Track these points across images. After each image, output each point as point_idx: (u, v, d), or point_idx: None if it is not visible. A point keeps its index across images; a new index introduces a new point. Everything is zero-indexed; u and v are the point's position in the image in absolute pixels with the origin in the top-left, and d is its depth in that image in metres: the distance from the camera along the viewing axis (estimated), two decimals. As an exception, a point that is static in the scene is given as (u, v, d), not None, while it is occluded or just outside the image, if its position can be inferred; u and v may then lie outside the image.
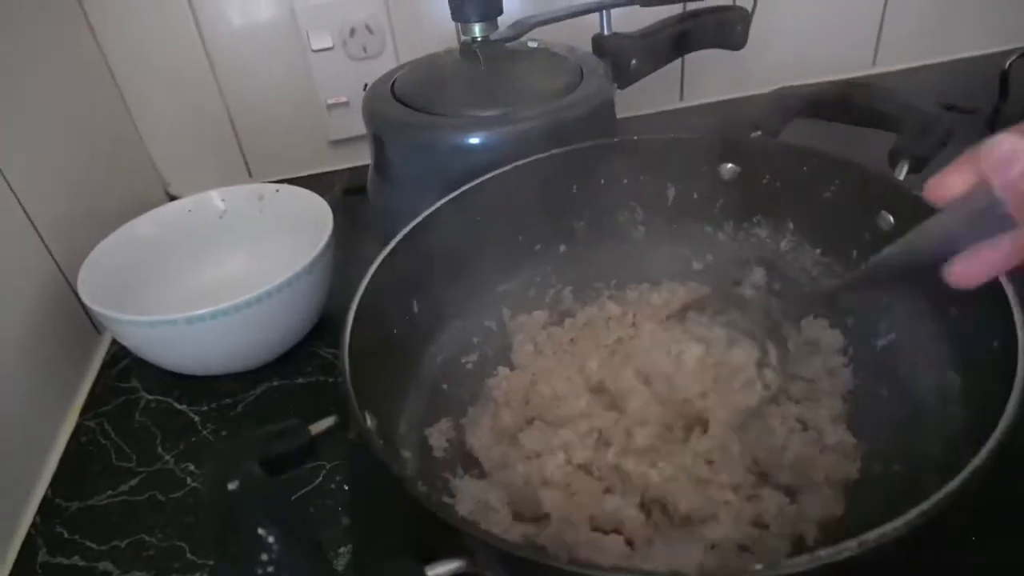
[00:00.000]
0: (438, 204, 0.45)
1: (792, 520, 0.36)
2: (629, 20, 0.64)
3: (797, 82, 0.85)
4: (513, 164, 0.47)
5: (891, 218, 0.41)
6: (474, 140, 0.52)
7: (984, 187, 0.26)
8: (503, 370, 0.46)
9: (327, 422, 0.32)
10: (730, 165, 0.48)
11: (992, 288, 0.32)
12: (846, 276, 0.43)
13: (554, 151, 0.48)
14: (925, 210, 0.32)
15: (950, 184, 0.28)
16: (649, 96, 0.81)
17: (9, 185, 0.51)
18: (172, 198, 0.77)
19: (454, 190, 0.47)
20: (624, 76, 0.63)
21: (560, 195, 0.49)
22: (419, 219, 0.44)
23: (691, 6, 0.68)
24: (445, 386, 0.45)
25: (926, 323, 0.39)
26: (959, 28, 0.86)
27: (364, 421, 0.32)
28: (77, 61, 0.66)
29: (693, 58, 0.73)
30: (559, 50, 0.59)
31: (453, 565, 0.27)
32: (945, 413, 0.36)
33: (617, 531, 0.36)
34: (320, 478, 0.45)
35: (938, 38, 0.86)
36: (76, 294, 0.56)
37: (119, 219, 0.57)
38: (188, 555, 0.42)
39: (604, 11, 0.61)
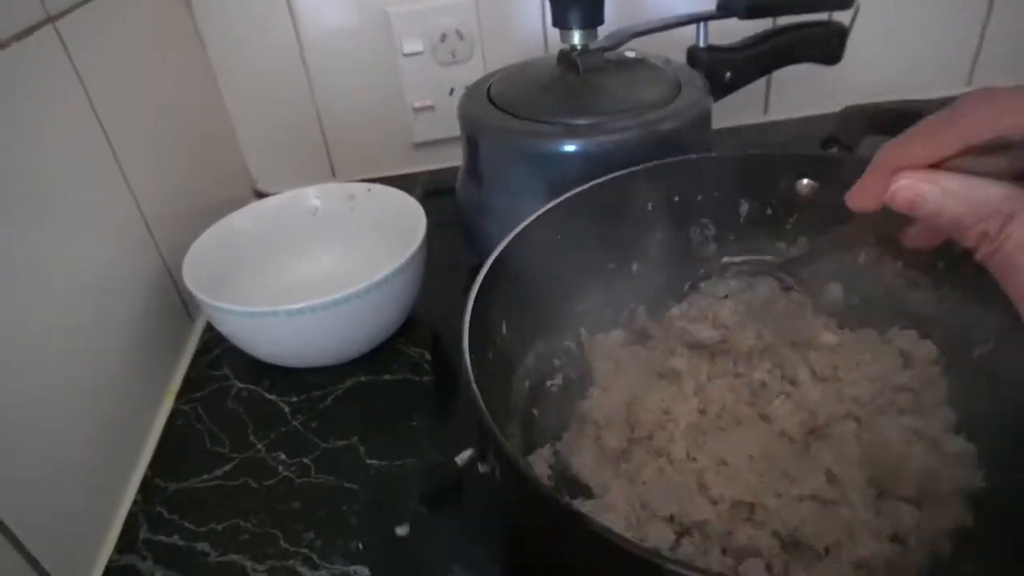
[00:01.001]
0: (526, 222, 0.44)
1: (929, 534, 0.35)
2: (724, 32, 0.63)
3: (886, 100, 0.84)
4: (592, 183, 0.46)
5: None
6: (570, 148, 0.52)
7: None
8: (594, 391, 0.45)
9: (467, 453, 0.32)
10: (807, 180, 0.48)
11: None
12: None
13: (633, 168, 0.47)
14: None
15: (866, 204, 0.28)
16: (733, 109, 0.80)
17: (124, 175, 0.53)
18: (259, 195, 0.79)
19: (545, 196, 0.47)
20: (718, 88, 0.62)
21: (635, 213, 0.49)
22: (509, 237, 0.43)
23: (786, 20, 0.67)
24: (535, 411, 0.44)
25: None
26: (1061, 50, 0.83)
27: (501, 439, 0.30)
28: (183, 58, 0.69)
29: (779, 72, 0.72)
30: (655, 61, 0.59)
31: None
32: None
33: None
34: (409, 474, 0.46)
35: (1038, 60, 0.83)
36: (175, 281, 0.58)
37: (212, 213, 0.58)
38: (281, 543, 0.42)
39: (701, 24, 0.61)
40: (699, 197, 0.49)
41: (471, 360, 0.34)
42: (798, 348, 0.44)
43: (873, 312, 0.47)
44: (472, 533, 0.29)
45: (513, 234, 0.43)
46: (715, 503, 0.38)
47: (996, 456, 0.38)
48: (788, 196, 0.48)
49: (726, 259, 0.49)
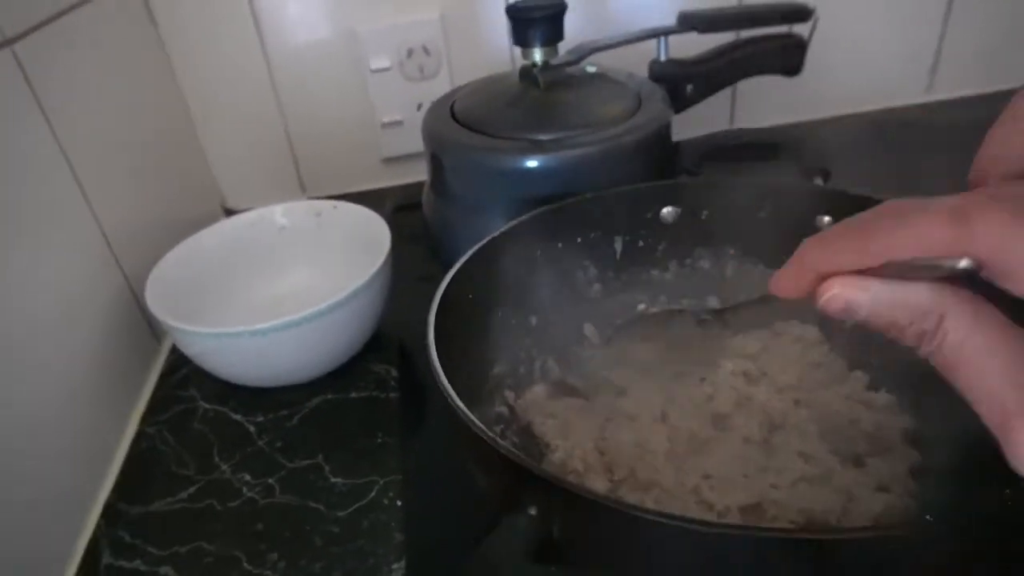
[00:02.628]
0: (438, 294, 0.41)
1: (898, 478, 0.38)
2: (686, 46, 0.64)
3: (850, 109, 0.86)
4: (477, 246, 0.45)
5: (827, 219, 0.46)
6: (532, 163, 0.52)
7: None
8: (556, 444, 0.43)
9: (534, 509, 0.29)
10: (669, 208, 0.51)
11: None
12: None
13: (519, 219, 0.47)
14: (859, 204, 0.35)
15: (789, 292, 0.27)
16: (700, 120, 0.81)
17: (86, 198, 0.53)
18: (228, 212, 0.79)
19: (509, 211, 0.47)
20: (680, 101, 0.63)
21: (525, 265, 0.48)
22: (432, 313, 0.40)
23: (747, 33, 0.68)
24: None
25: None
26: (1015, 60, 0.85)
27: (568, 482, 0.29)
28: (149, 78, 0.69)
29: (745, 83, 0.74)
30: (617, 76, 0.60)
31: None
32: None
33: None
34: (374, 492, 0.46)
35: (994, 69, 0.85)
36: (139, 303, 0.58)
37: (179, 232, 0.58)
38: (245, 564, 0.42)
39: (662, 38, 0.62)
40: (579, 240, 0.50)
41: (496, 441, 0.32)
42: (722, 365, 0.46)
43: (753, 314, 0.48)
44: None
45: (432, 313, 0.40)
46: (723, 516, 0.38)
47: (908, 397, 0.43)
48: (655, 225, 0.51)
49: (642, 307, 0.52)
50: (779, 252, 0.47)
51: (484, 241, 0.45)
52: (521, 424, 0.45)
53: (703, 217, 0.50)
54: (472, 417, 0.32)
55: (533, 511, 0.29)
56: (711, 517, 0.37)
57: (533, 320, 0.49)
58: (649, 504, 0.39)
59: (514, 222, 0.46)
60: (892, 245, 0.22)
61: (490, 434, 0.31)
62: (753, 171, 0.58)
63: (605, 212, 0.50)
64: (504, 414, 0.46)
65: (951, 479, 0.38)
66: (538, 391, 0.47)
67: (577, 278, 0.51)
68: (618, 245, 0.51)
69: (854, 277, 0.24)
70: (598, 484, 0.40)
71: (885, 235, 0.23)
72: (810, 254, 0.25)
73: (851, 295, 0.24)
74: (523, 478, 0.29)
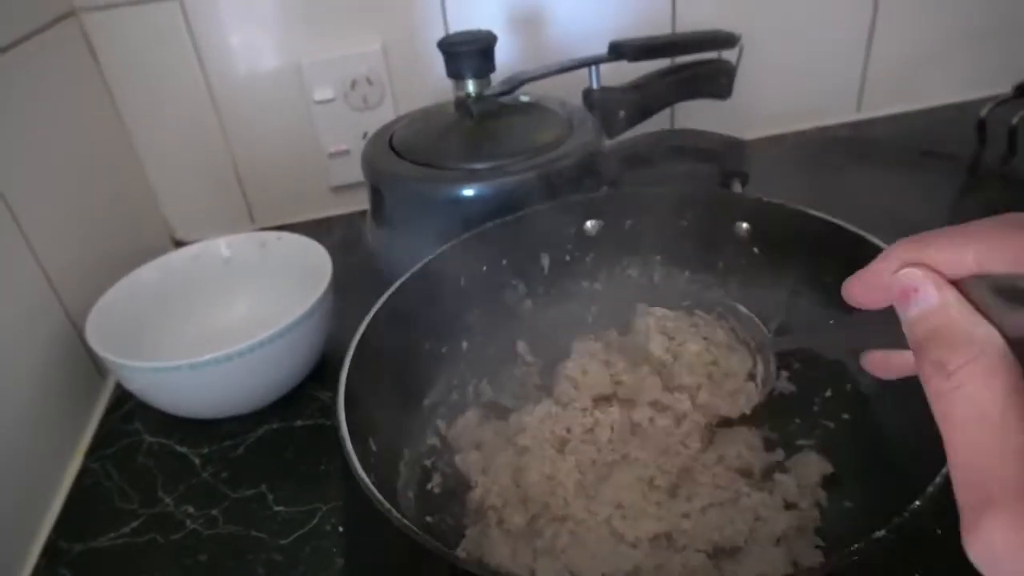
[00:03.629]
0: (359, 333, 0.42)
1: (808, 490, 0.41)
2: (618, 74, 0.67)
3: (784, 129, 0.89)
4: (406, 276, 0.47)
5: (745, 225, 0.50)
6: (468, 192, 0.54)
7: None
8: (478, 478, 0.44)
9: None
10: (592, 222, 0.53)
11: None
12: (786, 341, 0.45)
13: (438, 251, 0.48)
14: (771, 212, 0.45)
15: (863, 298, 0.26)
16: (640, 143, 0.84)
17: (23, 233, 0.53)
18: (178, 244, 0.79)
19: (447, 239, 0.49)
20: (613, 127, 0.65)
21: (450, 293, 0.50)
22: (347, 364, 0.41)
23: (678, 60, 0.71)
24: (429, 519, 0.42)
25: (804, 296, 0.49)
26: (939, 77, 0.89)
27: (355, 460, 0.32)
28: (91, 112, 0.69)
29: (683, 106, 0.76)
30: (550, 104, 0.62)
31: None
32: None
33: None
34: (316, 519, 0.46)
35: (919, 87, 0.89)
36: (83, 339, 0.58)
37: (126, 265, 0.59)
38: (187, 597, 0.43)
39: (593, 66, 0.64)
40: (504, 261, 0.52)
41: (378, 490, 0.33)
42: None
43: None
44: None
45: (351, 351, 0.41)
46: (635, 546, 0.39)
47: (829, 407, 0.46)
48: (580, 238, 0.53)
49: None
50: (703, 257, 0.52)
51: (400, 281, 0.46)
52: (452, 455, 0.46)
53: (627, 227, 0.53)
54: (368, 481, 0.33)
55: None
56: (625, 549, 0.38)
57: (464, 345, 0.50)
58: (564, 536, 0.39)
59: (431, 256, 0.48)
60: (992, 251, 0.21)
61: (396, 515, 0.32)
62: (674, 178, 0.61)
63: (527, 231, 0.51)
64: (436, 446, 0.47)
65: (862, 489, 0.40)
66: (470, 417, 0.48)
67: (507, 297, 0.53)
68: (545, 261, 0.53)
69: (937, 274, 0.22)
70: (516, 519, 0.40)
71: (984, 240, 0.21)
72: (902, 247, 0.24)
73: (925, 285, 0.22)
74: (412, 548, 0.31)
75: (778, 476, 0.42)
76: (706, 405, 0.44)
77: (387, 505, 0.32)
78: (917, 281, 0.22)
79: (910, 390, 0.35)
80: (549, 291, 0.53)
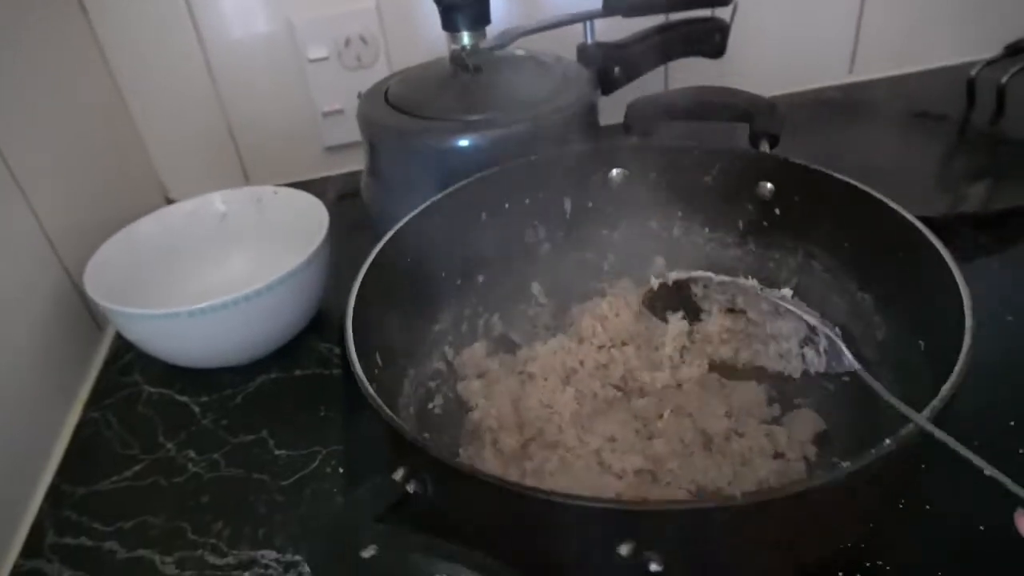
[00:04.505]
0: (373, 253, 0.43)
1: (798, 445, 0.42)
2: (613, 30, 0.67)
3: (778, 91, 0.89)
4: (424, 204, 0.47)
5: (770, 185, 0.49)
6: (463, 143, 0.54)
7: None
8: (478, 402, 0.46)
9: (401, 472, 0.31)
10: (617, 170, 0.53)
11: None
12: None
13: (461, 184, 0.49)
14: (796, 173, 0.44)
15: None
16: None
17: (23, 192, 0.53)
18: (171, 204, 0.79)
19: (443, 191, 0.49)
20: (608, 83, 0.65)
21: (470, 227, 0.50)
22: (362, 272, 0.42)
23: (672, 16, 0.71)
24: (427, 435, 0.44)
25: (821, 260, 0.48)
26: (930, 39, 0.89)
27: (425, 444, 0.31)
28: (83, 72, 0.69)
29: (677, 65, 0.76)
30: (545, 59, 0.62)
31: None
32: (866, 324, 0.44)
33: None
34: (316, 462, 0.47)
35: (911, 49, 0.90)
36: (81, 293, 0.58)
37: (122, 224, 0.59)
38: (190, 535, 0.44)
39: (588, 22, 0.64)
40: (527, 201, 0.52)
41: (373, 387, 0.34)
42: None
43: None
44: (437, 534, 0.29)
45: (362, 273, 0.42)
46: (620, 477, 0.40)
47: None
48: (604, 187, 0.53)
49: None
50: (724, 214, 0.52)
51: (424, 205, 0.47)
52: (455, 382, 0.48)
53: (651, 179, 0.52)
54: (365, 381, 0.34)
55: (399, 473, 0.31)
56: (610, 479, 0.40)
57: (480, 279, 0.51)
58: (553, 461, 0.41)
59: (455, 186, 0.48)
60: None
61: (377, 400, 0.33)
62: (703, 133, 0.59)
63: (553, 174, 0.51)
64: (442, 370, 0.48)
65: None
66: (477, 348, 0.49)
67: (526, 237, 0.53)
68: (567, 205, 0.53)
69: None
70: (510, 441, 0.42)
71: None
72: None
73: None
74: (395, 438, 0.32)
75: (771, 427, 0.43)
76: (749, 361, 0.46)
77: (379, 401, 0.33)
78: None
79: (910, 364, 0.37)
80: (569, 235, 0.54)
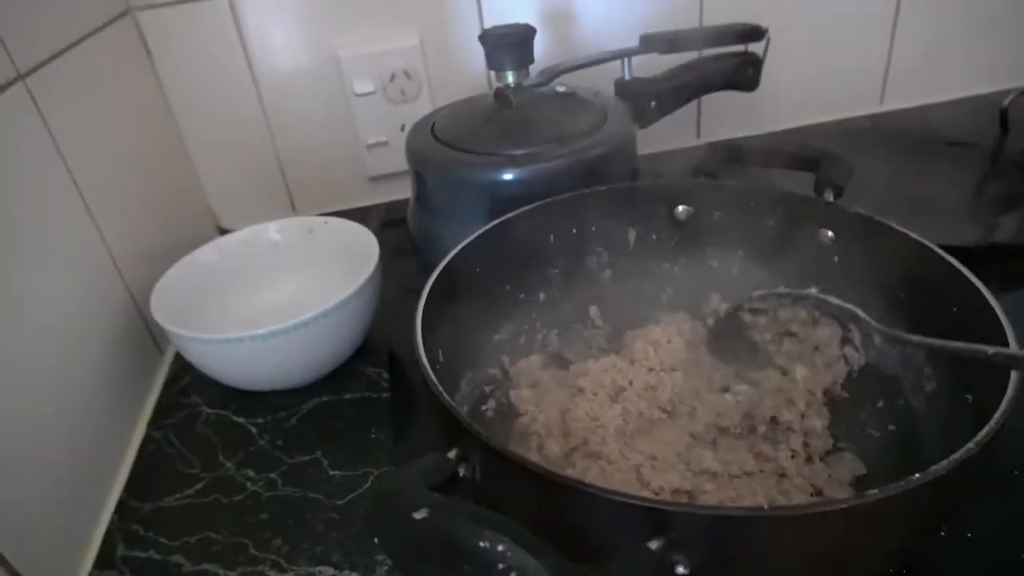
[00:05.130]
0: (445, 260, 0.47)
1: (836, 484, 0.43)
2: (649, 65, 0.69)
3: (809, 121, 0.91)
4: (500, 219, 0.51)
5: (830, 233, 0.50)
6: (507, 176, 0.57)
7: None
8: (528, 408, 0.48)
9: (454, 452, 0.34)
10: (683, 207, 0.55)
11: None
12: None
13: (535, 204, 0.52)
14: (857, 223, 0.45)
15: None
16: (669, 134, 0.86)
17: (95, 221, 0.57)
18: (222, 231, 0.83)
19: (488, 223, 0.51)
20: (644, 117, 0.68)
21: (539, 246, 0.53)
22: (434, 275, 0.46)
23: (706, 52, 0.73)
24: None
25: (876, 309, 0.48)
26: (961, 68, 0.91)
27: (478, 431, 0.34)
28: (146, 108, 0.73)
29: (709, 98, 0.79)
30: (585, 94, 0.64)
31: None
32: (916, 375, 0.44)
33: None
34: (368, 482, 0.49)
35: (941, 78, 0.91)
36: (143, 316, 0.62)
37: (177, 252, 0.62)
38: (251, 550, 0.46)
39: (626, 58, 0.67)
40: (593, 228, 0.55)
41: (434, 374, 0.38)
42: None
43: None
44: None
45: (435, 275, 0.46)
46: (657, 493, 0.42)
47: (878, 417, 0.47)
48: (669, 221, 0.55)
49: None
50: (784, 258, 0.53)
51: (498, 221, 0.50)
52: (509, 388, 0.51)
53: (715, 218, 0.54)
54: (427, 365, 0.38)
55: (453, 453, 0.34)
56: (647, 494, 0.41)
57: (541, 296, 0.54)
58: (594, 470, 0.43)
59: (529, 207, 0.51)
60: None
61: (434, 380, 0.36)
62: (770, 178, 0.61)
63: (621, 205, 0.54)
64: (497, 376, 0.51)
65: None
66: (533, 360, 0.52)
67: (589, 262, 0.56)
68: (632, 235, 0.56)
69: None
70: (555, 448, 0.45)
71: None
72: None
73: None
74: (450, 423, 0.35)
75: (814, 465, 0.44)
76: (807, 378, 0.47)
77: (439, 387, 0.36)
78: None
79: (956, 416, 0.38)
80: (630, 265, 0.56)
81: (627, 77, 0.67)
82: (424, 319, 0.42)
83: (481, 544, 0.25)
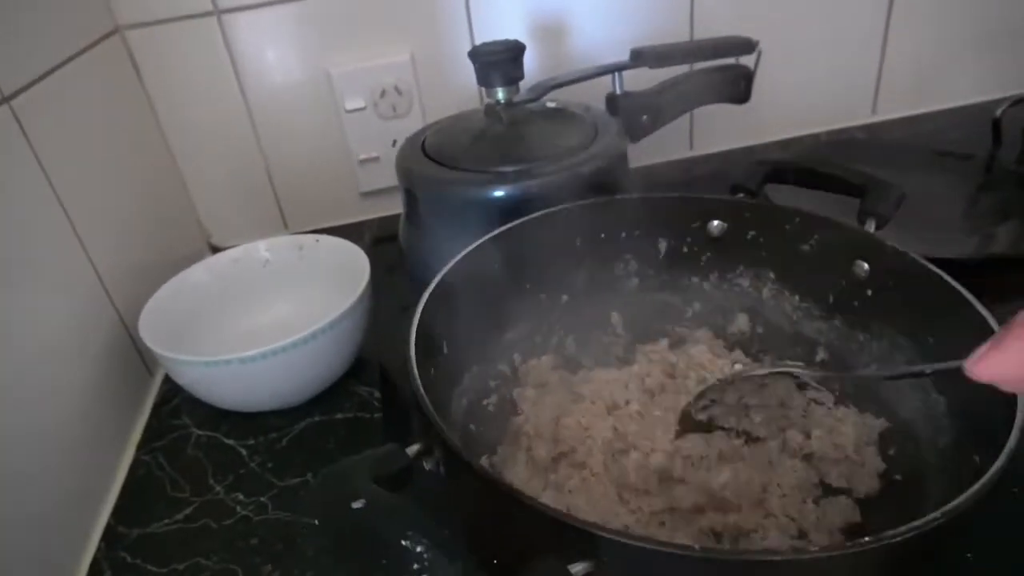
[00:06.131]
0: (465, 251, 0.48)
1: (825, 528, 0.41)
2: (640, 80, 0.69)
3: (803, 132, 0.91)
4: (526, 217, 0.51)
5: (866, 266, 0.48)
6: (498, 193, 0.57)
7: None
8: (526, 408, 0.49)
9: (415, 447, 0.35)
10: (717, 222, 0.54)
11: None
12: (891, 371, 0.46)
13: (564, 205, 0.51)
14: (897, 258, 0.41)
15: (1000, 369, 0.27)
16: (662, 146, 0.86)
17: (80, 241, 0.56)
18: (214, 249, 0.82)
19: (479, 239, 0.51)
20: (636, 131, 0.67)
21: (564, 248, 0.53)
22: (450, 264, 0.47)
23: (697, 66, 0.73)
24: (472, 427, 0.47)
25: (904, 352, 0.45)
26: (953, 78, 0.91)
27: (445, 432, 0.34)
28: (134, 125, 0.72)
29: (702, 110, 0.78)
30: (576, 109, 0.64)
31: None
32: (935, 427, 0.41)
33: None
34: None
35: (933, 88, 0.91)
36: (132, 337, 0.61)
37: (168, 269, 0.62)
38: (241, 576, 0.45)
39: (616, 73, 0.66)
40: (623, 235, 0.54)
41: (417, 367, 0.38)
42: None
43: (773, 337, 0.53)
44: (425, 509, 0.31)
45: (453, 262, 0.47)
46: (634, 512, 0.42)
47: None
48: (701, 235, 0.54)
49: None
50: (816, 285, 0.52)
51: (526, 219, 0.50)
52: (515, 384, 0.51)
53: (749, 237, 0.53)
54: (416, 371, 0.38)
55: (413, 448, 0.35)
56: (623, 511, 0.41)
57: (564, 298, 0.54)
58: (576, 479, 0.43)
59: (556, 208, 0.51)
60: None
61: (415, 373, 0.37)
62: (812, 201, 0.57)
63: (653, 213, 0.53)
64: (506, 372, 0.51)
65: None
66: (545, 360, 0.52)
67: (616, 269, 0.55)
68: (663, 246, 0.55)
69: None
70: (542, 452, 0.45)
71: None
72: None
73: None
74: (421, 417, 0.36)
75: (802, 505, 0.43)
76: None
77: (417, 377, 0.37)
78: None
79: (961, 475, 0.35)
80: (658, 276, 0.55)
81: (618, 92, 0.67)
82: (428, 305, 0.42)
83: (403, 543, 0.26)
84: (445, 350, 0.45)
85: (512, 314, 0.52)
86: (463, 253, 0.47)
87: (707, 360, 0.52)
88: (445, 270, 0.45)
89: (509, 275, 0.50)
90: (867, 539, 0.28)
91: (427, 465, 0.35)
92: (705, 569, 0.29)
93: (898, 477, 0.43)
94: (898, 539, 0.28)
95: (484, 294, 0.49)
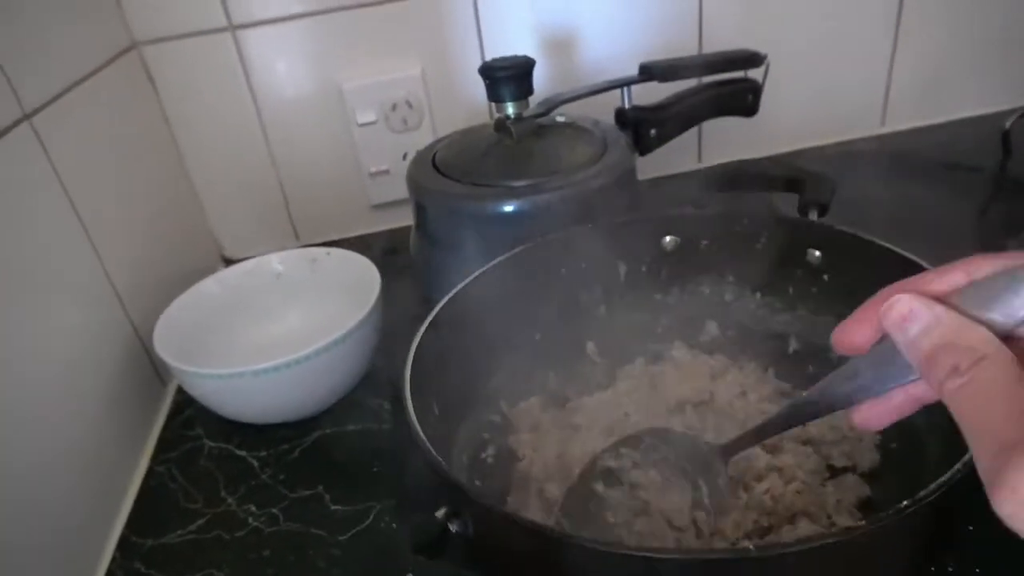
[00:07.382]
0: (434, 312, 0.46)
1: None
2: (649, 94, 0.70)
3: (811, 143, 0.91)
4: (485, 266, 0.50)
5: (817, 253, 0.51)
6: (508, 208, 0.57)
7: (888, 340, 0.26)
8: (527, 453, 0.48)
9: (443, 511, 0.35)
10: (669, 237, 0.55)
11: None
12: (769, 418, 0.41)
13: (520, 247, 0.51)
14: (845, 241, 0.44)
15: (854, 336, 0.28)
16: (670, 159, 0.86)
17: (96, 251, 0.57)
18: (227, 261, 0.83)
19: (489, 253, 0.51)
20: (645, 145, 0.68)
21: (528, 288, 0.52)
22: (422, 329, 0.45)
23: (705, 79, 0.73)
24: (478, 483, 0.47)
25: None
26: (962, 89, 0.91)
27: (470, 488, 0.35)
28: (149, 137, 0.74)
29: (710, 122, 0.79)
30: (585, 124, 0.65)
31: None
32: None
33: None
34: (371, 517, 0.49)
35: (943, 99, 0.91)
36: (146, 348, 0.62)
37: (181, 282, 0.63)
38: (253, 588, 0.46)
39: (625, 87, 0.67)
40: (583, 265, 0.54)
41: (423, 431, 0.37)
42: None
43: (744, 338, 0.54)
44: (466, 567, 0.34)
45: (423, 328, 0.45)
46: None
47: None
48: (657, 252, 0.55)
49: None
50: (775, 280, 0.54)
51: (484, 268, 0.50)
52: (509, 433, 0.50)
53: (702, 246, 0.55)
54: (419, 431, 0.37)
55: (441, 512, 0.35)
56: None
57: (536, 336, 0.54)
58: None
59: (516, 250, 0.51)
60: (981, 262, 0.24)
61: (426, 443, 0.36)
62: (756, 202, 0.62)
63: (609, 240, 0.54)
64: (496, 422, 0.51)
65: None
66: (533, 403, 0.52)
67: (582, 299, 0.55)
68: (622, 270, 0.56)
69: (923, 296, 0.24)
70: (554, 491, 0.44)
71: (969, 261, 0.25)
72: (889, 288, 0.26)
73: (917, 306, 0.24)
74: (442, 482, 0.35)
75: (825, 488, 0.44)
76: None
77: (427, 445, 0.36)
78: (910, 304, 0.25)
79: (955, 428, 0.37)
80: (623, 298, 0.56)
81: (627, 106, 0.68)
82: (413, 375, 0.41)
83: None
84: (436, 412, 0.44)
85: (491, 362, 0.52)
86: (431, 316, 0.46)
87: (687, 361, 0.53)
88: (419, 337, 0.44)
89: (480, 324, 0.49)
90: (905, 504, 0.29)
91: (453, 527, 0.34)
92: (760, 568, 0.29)
93: (894, 445, 0.45)
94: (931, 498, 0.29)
95: (461, 351, 0.48)
